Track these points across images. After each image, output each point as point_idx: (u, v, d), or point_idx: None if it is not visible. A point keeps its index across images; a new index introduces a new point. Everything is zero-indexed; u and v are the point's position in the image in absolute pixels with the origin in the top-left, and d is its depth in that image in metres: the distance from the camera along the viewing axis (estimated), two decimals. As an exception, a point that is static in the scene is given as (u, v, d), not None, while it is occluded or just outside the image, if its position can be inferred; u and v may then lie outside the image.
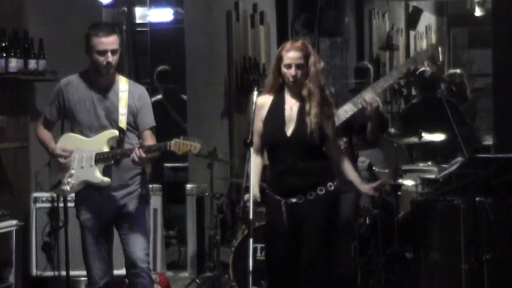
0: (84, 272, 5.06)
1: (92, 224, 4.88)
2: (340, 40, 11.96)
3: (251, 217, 4.44)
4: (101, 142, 4.78)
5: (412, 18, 15.96)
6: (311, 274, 4.71)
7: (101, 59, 4.73)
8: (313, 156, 4.72)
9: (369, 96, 5.13)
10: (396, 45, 14.51)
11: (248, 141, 4.56)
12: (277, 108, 4.79)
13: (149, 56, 8.67)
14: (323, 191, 4.72)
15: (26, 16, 5.98)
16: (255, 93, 4.77)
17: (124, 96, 4.82)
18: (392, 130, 7.88)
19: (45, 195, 6.03)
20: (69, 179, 4.83)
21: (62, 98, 4.88)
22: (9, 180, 5.95)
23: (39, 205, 6.08)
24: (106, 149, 4.77)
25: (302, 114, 4.72)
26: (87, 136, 4.83)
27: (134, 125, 4.87)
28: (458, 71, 9.77)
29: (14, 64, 5.67)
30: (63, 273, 5.92)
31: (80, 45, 5.12)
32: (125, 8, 8.59)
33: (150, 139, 4.85)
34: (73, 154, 4.83)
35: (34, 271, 6.08)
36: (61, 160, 4.84)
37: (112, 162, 4.79)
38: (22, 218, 5.94)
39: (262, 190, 4.83)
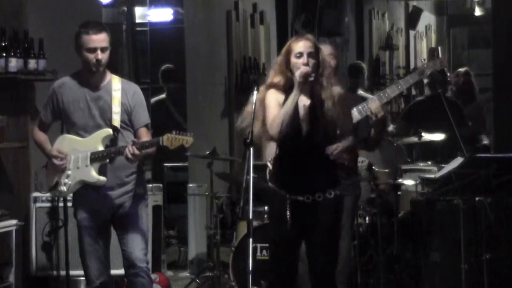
0: (84, 272, 5.06)
1: (89, 223, 4.88)
2: (340, 40, 11.96)
3: (251, 217, 4.44)
4: (96, 141, 4.79)
5: (412, 18, 15.95)
6: (317, 279, 4.70)
7: (91, 56, 4.74)
8: (326, 157, 4.65)
9: (375, 106, 5.13)
10: (396, 45, 14.52)
11: (248, 141, 4.55)
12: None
13: (149, 56, 8.67)
14: (332, 195, 4.67)
15: (26, 16, 5.98)
16: (255, 93, 4.75)
17: (118, 94, 4.83)
18: (391, 128, 7.87)
19: (45, 194, 6.02)
20: (66, 180, 4.85)
21: (56, 100, 4.90)
22: (9, 180, 5.95)
23: (39, 205, 6.08)
24: (101, 148, 4.78)
25: (315, 112, 4.62)
26: (82, 136, 4.84)
27: (129, 123, 4.88)
28: (464, 69, 9.60)
29: (14, 64, 5.68)
30: (63, 273, 5.91)
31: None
32: (125, 8, 8.58)
33: (145, 136, 4.85)
34: (69, 155, 4.84)
35: (34, 271, 6.08)
36: (56, 161, 4.86)
37: (107, 160, 4.79)
38: (22, 218, 5.94)
39: (264, 187, 4.77)
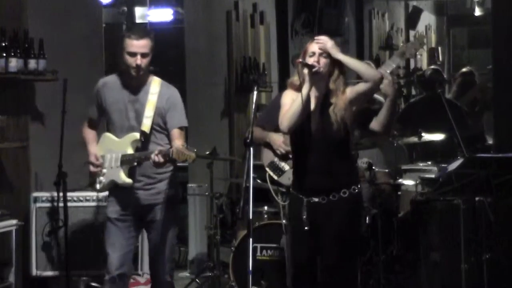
0: (84, 272, 5.07)
1: (116, 217, 4.96)
2: (340, 40, 11.95)
3: (251, 217, 4.44)
4: (126, 144, 4.90)
5: (412, 18, 15.97)
6: (329, 281, 4.70)
7: (131, 60, 4.81)
8: (339, 155, 4.65)
9: None
10: (396, 45, 14.53)
11: (248, 141, 4.56)
12: None
13: (149, 56, 8.68)
14: (347, 194, 4.66)
15: (26, 16, 5.98)
16: (255, 93, 4.75)
17: (153, 98, 4.89)
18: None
19: (45, 194, 6.03)
20: (101, 178, 4.99)
21: (100, 98, 5.00)
22: (9, 180, 5.95)
23: (39, 205, 6.08)
24: (130, 151, 4.88)
25: (325, 109, 4.65)
26: (118, 136, 4.95)
27: (163, 125, 4.93)
28: (468, 69, 9.57)
29: (14, 64, 5.67)
30: (63, 273, 5.91)
31: (80, 45, 5.11)
32: (125, 8, 8.60)
33: (177, 138, 4.89)
34: (106, 156, 4.95)
35: (34, 271, 6.07)
36: (91, 167, 5.01)
37: (135, 164, 4.87)
38: (22, 218, 5.94)
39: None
